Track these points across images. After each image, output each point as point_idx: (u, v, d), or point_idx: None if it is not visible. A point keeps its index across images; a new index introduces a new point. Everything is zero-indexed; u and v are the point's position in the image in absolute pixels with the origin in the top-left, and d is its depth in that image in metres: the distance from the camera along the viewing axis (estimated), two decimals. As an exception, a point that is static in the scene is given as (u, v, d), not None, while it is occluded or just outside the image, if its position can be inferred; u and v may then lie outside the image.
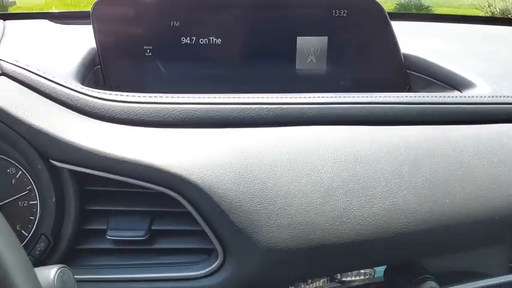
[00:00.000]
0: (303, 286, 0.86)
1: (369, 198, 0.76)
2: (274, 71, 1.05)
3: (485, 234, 0.84)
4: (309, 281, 0.87)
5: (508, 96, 0.92)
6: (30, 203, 0.75)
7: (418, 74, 1.12)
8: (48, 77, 0.76)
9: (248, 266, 0.70)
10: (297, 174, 0.74)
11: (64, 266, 0.60)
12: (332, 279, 0.89)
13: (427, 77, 1.10)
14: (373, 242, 0.75)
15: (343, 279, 0.89)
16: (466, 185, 0.81)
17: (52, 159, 0.69)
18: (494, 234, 0.85)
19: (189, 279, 0.71)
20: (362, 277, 0.90)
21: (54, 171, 0.70)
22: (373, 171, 0.78)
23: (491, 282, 0.98)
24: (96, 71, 0.98)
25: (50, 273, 0.58)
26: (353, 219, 0.74)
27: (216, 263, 0.71)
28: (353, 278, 0.89)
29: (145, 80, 0.99)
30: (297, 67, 1.05)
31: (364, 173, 0.77)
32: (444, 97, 0.90)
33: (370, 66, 1.10)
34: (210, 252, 0.73)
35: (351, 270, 0.86)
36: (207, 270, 0.71)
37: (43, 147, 0.69)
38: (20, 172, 0.75)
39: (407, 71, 1.13)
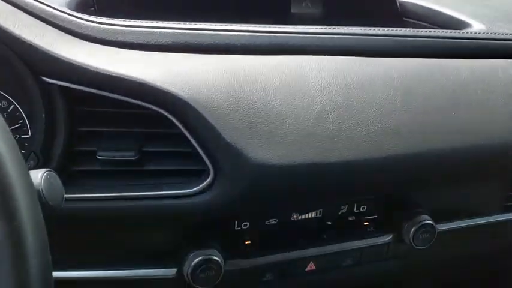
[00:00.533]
0: (295, 216, 0.86)
1: (361, 122, 0.75)
2: (269, 14, 1.04)
3: (476, 163, 0.83)
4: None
5: (502, 33, 0.92)
6: (22, 137, 0.75)
7: (414, 21, 1.11)
8: (40, 0, 0.76)
9: (239, 183, 0.70)
10: (288, 97, 0.74)
11: (51, 170, 0.60)
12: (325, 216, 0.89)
13: (423, 23, 1.09)
14: (364, 164, 0.75)
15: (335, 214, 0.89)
16: (459, 113, 0.81)
17: (42, 75, 0.69)
18: (485, 164, 0.84)
19: (180, 196, 0.71)
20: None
21: (44, 88, 0.70)
22: (366, 97, 0.77)
23: (486, 221, 0.98)
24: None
25: (37, 175, 0.58)
26: (344, 140, 0.74)
27: (206, 181, 0.71)
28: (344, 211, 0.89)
29: (135, 7, 0.98)
30: (292, 10, 1.05)
31: (356, 98, 0.77)
32: (439, 32, 0.90)
33: (366, 14, 1.10)
34: (200, 174, 0.73)
35: (343, 199, 0.85)
36: (197, 188, 0.71)
37: (34, 63, 0.69)
38: (12, 106, 0.74)
39: (404, 18, 1.12)
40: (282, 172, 0.70)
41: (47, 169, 0.59)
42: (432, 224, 0.88)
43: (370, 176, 0.77)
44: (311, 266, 0.88)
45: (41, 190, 0.58)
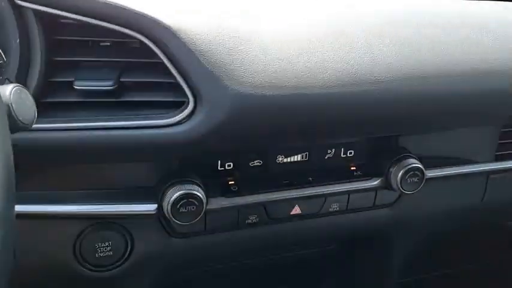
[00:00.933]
0: (280, 159, 0.84)
1: (347, 52, 0.73)
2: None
3: (469, 104, 0.81)
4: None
5: None
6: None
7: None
8: None
9: (219, 111, 0.68)
10: (272, 26, 0.72)
11: (22, 86, 0.57)
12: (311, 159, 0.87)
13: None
14: (349, 97, 0.72)
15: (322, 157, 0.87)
16: (451, 49, 0.79)
17: (16, -2, 0.67)
18: (477, 106, 0.83)
19: (158, 126, 0.69)
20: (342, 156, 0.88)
21: (19, 12, 0.68)
22: (353, 28, 0.75)
23: (476, 169, 0.97)
24: None
25: (5, 89, 0.56)
26: (329, 71, 0.72)
27: (186, 111, 0.69)
28: (331, 155, 0.87)
29: None
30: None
31: (343, 29, 0.75)
32: None
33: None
34: (180, 106, 0.71)
35: (327, 138, 0.83)
36: (176, 117, 0.69)
37: None
38: None
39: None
40: (262, 101, 0.68)
41: (17, 84, 0.57)
42: (420, 168, 0.86)
43: (354, 110, 0.74)
44: (296, 210, 0.86)
45: (10, 105, 0.56)
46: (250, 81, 0.68)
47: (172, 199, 0.73)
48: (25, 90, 0.58)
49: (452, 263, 1.54)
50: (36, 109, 0.59)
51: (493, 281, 1.62)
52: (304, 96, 0.70)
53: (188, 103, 0.69)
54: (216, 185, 0.80)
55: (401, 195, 0.94)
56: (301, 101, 0.70)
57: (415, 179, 0.86)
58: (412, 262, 1.19)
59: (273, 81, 0.69)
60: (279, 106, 0.69)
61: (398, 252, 1.09)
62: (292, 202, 0.85)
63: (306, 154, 0.85)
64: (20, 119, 0.57)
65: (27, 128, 0.61)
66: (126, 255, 0.79)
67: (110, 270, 0.79)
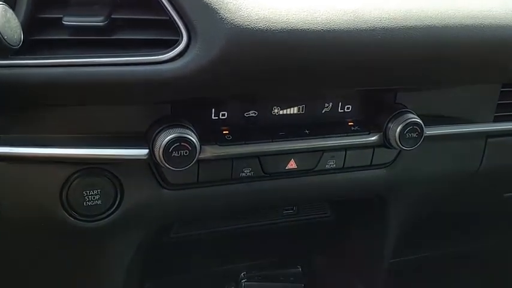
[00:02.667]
0: (276, 110, 0.82)
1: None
2: None
3: (466, 51, 0.79)
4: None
5: None
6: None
7: None
8: None
9: (214, 46, 0.65)
10: None
11: (6, 4, 0.55)
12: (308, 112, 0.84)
13: None
14: (347, 38, 0.70)
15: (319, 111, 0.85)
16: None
17: None
18: (476, 54, 0.80)
19: (151, 63, 0.66)
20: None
21: None
22: None
23: (475, 129, 0.95)
24: None
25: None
26: (329, 8, 0.70)
27: (179, 47, 0.66)
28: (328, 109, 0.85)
29: None
30: None
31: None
32: None
33: None
34: (172, 44, 0.68)
35: (323, 82, 0.80)
36: (170, 54, 0.66)
37: None
38: None
39: None
40: (259, 36, 0.66)
41: (2, 2, 0.54)
42: (419, 123, 0.84)
43: (352, 51, 0.72)
44: (291, 164, 0.84)
45: (-6, 24, 0.53)
46: (247, 15, 0.66)
47: (164, 142, 0.70)
48: (10, 10, 0.55)
49: (444, 244, 1.53)
50: (21, 31, 0.56)
51: (488, 265, 1.62)
52: (302, 33, 0.68)
53: (181, 41, 0.67)
54: (209, 134, 0.77)
55: (399, 154, 0.92)
56: (299, 37, 0.67)
57: (414, 135, 0.84)
58: (404, 241, 1.18)
59: (270, 16, 0.67)
60: (276, 42, 0.67)
61: (393, 220, 1.07)
62: (287, 156, 0.83)
63: (303, 107, 0.83)
64: (5, 37, 0.55)
65: (12, 50, 0.58)
66: (115, 205, 0.76)
67: (99, 220, 0.76)
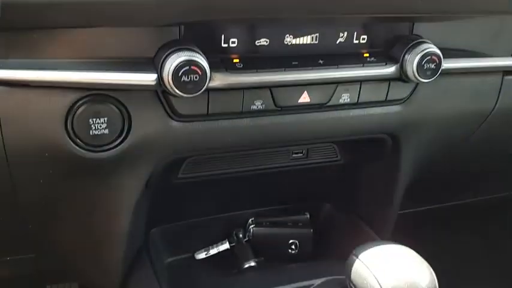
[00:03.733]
0: (288, 39, 0.78)
1: None
2: None
3: None
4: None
5: None
6: None
7: None
8: None
9: None
10: None
11: None
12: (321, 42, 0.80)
13: None
14: None
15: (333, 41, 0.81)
16: None
17: None
18: None
19: None
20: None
21: None
22: None
23: (494, 64, 0.92)
24: None
25: None
26: None
27: None
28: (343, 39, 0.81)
29: None
30: None
31: None
32: None
33: None
34: None
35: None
36: None
37: None
38: None
39: None
40: None
41: None
42: (438, 53, 0.80)
43: None
44: (304, 97, 0.81)
45: None
46: None
47: (173, 65, 0.67)
48: None
49: (451, 197, 1.52)
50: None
51: (491, 213, 1.61)
52: None
53: None
54: (218, 62, 0.74)
55: (414, 90, 0.89)
56: None
57: (432, 65, 0.81)
58: (412, 193, 1.16)
59: None
60: None
61: (404, 163, 1.04)
62: (300, 88, 0.79)
63: (316, 36, 0.79)
64: None
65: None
66: (123, 136, 0.73)
67: (106, 151, 0.73)
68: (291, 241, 1.13)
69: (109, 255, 0.88)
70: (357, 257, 0.69)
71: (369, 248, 0.70)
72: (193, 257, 1.11)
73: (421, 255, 0.72)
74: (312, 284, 1.02)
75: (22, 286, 1.12)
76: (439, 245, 1.49)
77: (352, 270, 0.68)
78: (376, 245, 0.70)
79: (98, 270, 0.93)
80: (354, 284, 0.67)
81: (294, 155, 1.04)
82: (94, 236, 0.86)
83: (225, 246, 1.13)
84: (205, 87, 0.69)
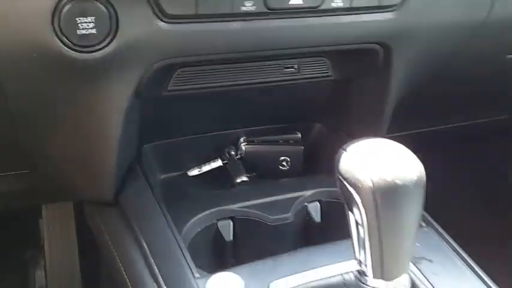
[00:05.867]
0: None
1: None
2: None
3: None
4: None
5: None
6: None
7: None
8: None
9: None
10: None
11: None
12: None
13: None
14: None
15: None
16: None
17: None
18: None
19: None
20: None
21: None
22: None
23: None
24: None
25: None
26: None
27: None
28: None
29: None
30: None
31: None
32: None
33: None
34: None
35: None
36: None
37: None
38: None
39: None
40: None
41: None
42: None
43: None
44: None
45: None
46: None
47: None
48: None
49: (443, 119, 1.52)
50: None
51: (483, 137, 1.63)
52: None
53: None
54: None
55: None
56: None
57: None
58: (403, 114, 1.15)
59: None
60: None
61: (395, 75, 1.03)
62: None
63: None
64: None
65: None
66: (110, 36, 0.72)
67: (93, 52, 0.72)
68: (282, 158, 1.14)
69: (102, 163, 0.89)
70: (345, 150, 0.69)
71: (357, 142, 0.70)
72: (185, 174, 1.13)
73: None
74: (303, 195, 1.04)
75: (19, 205, 1.14)
76: (430, 168, 1.51)
77: (340, 162, 0.69)
78: (364, 140, 0.71)
79: (91, 182, 0.94)
80: (341, 176, 0.68)
81: (285, 70, 1.03)
82: (86, 143, 0.86)
83: (218, 163, 1.14)
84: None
